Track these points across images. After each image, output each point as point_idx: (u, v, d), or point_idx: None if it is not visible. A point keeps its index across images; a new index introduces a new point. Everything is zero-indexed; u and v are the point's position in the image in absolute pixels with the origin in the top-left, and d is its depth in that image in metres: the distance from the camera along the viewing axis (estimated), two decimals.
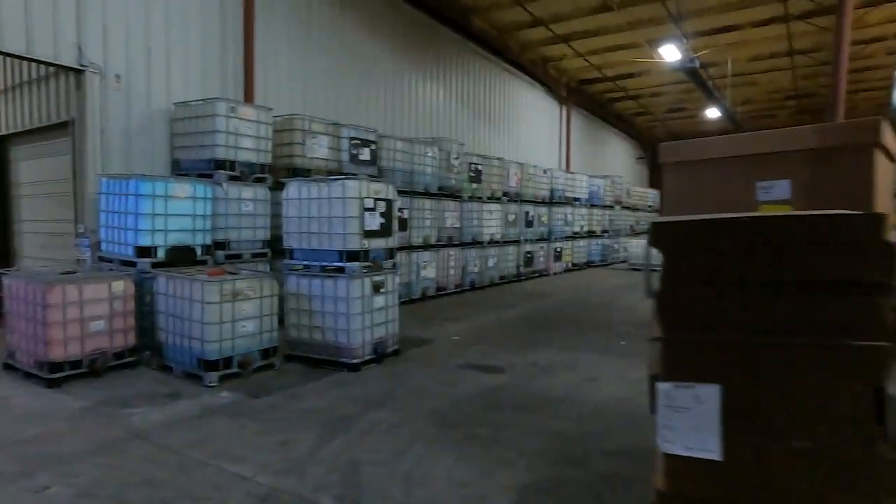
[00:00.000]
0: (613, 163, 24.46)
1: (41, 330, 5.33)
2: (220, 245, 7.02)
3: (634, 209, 22.34)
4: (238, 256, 7.32)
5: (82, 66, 6.83)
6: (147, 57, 7.49)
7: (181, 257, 6.35)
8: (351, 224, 5.93)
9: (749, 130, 20.07)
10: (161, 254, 6.17)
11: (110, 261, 6.42)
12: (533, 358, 6.43)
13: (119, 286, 5.77)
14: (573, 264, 16.89)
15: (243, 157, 7.29)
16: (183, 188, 6.29)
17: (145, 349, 6.06)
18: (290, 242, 6.33)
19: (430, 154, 10.64)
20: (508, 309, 9.93)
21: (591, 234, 18.07)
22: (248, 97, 8.46)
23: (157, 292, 5.89)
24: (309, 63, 9.72)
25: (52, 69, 7.41)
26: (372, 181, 6.16)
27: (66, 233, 7.81)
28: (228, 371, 5.54)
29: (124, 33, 7.22)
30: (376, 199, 6.14)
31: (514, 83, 16.41)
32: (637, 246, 17.50)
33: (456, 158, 11.50)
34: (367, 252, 6.06)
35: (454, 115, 13.79)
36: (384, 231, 6.28)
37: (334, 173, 8.56)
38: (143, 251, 6.06)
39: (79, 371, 5.44)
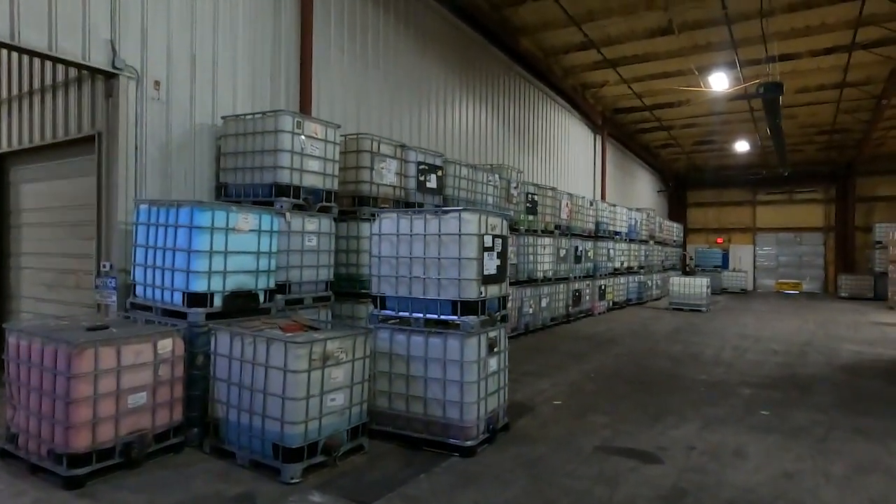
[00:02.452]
0: (639, 195, 23.58)
1: (62, 409, 3.93)
2: (279, 288, 5.67)
3: (664, 244, 21.36)
4: (299, 301, 5.98)
5: (116, 68, 5.57)
6: (191, 63, 6.26)
7: (241, 306, 5.00)
8: (468, 267, 4.66)
9: (773, 166, 19.36)
10: (217, 301, 4.82)
11: (148, 309, 5.05)
12: (677, 437, 5.13)
13: (166, 345, 4.40)
14: (614, 302, 15.71)
15: (309, 181, 6.02)
16: (247, 220, 4.98)
17: (192, 426, 4.66)
18: (381, 288, 5.03)
19: (492, 182, 9.47)
20: (585, 360, 8.64)
21: (629, 271, 16.95)
22: (305, 113, 7.23)
23: (217, 353, 4.52)
24: (363, 79, 8.57)
25: (72, 73, 6.14)
26: (490, 214, 4.92)
27: (79, 270, 6.42)
28: (313, 461, 4.16)
29: (165, 35, 6.00)
30: (494, 237, 4.89)
31: (554, 109, 15.45)
32: (680, 284, 16.36)
33: (515, 188, 10.35)
34: (484, 302, 4.78)
35: (502, 140, 12.71)
36: (500, 275, 5.02)
37: (401, 203, 7.33)
38: (197, 298, 4.71)
39: (109, 462, 4.03)
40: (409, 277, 4.88)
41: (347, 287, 6.91)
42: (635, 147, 22.21)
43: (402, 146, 7.50)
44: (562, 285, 12.38)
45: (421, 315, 4.84)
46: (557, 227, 12.21)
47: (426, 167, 7.75)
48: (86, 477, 3.89)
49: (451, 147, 10.63)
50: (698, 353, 9.48)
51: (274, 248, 5.28)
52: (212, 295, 4.78)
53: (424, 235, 4.80)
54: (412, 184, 7.56)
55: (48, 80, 6.46)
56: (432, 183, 7.87)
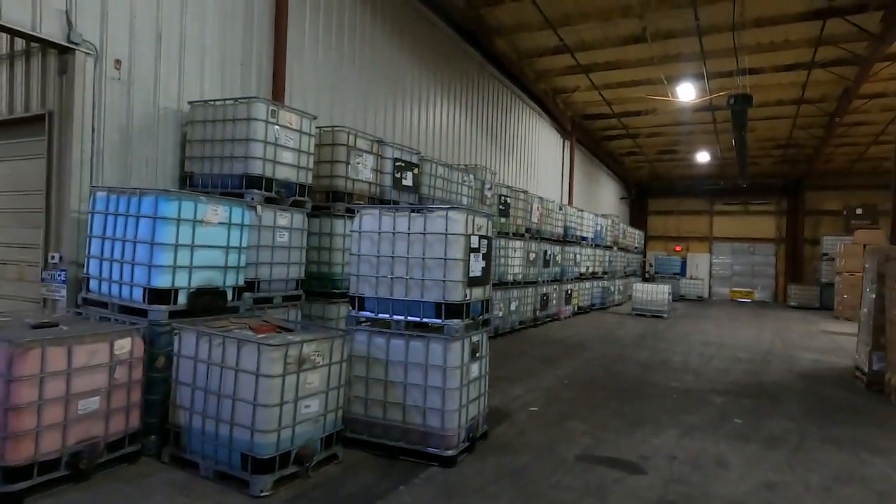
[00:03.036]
0: (603, 201, 23.90)
1: None
2: (248, 285, 5.31)
3: (626, 251, 21.70)
4: (268, 300, 5.64)
5: (71, 42, 5.10)
6: (156, 42, 5.83)
7: (208, 304, 4.65)
8: (454, 269, 4.45)
9: (731, 177, 20.06)
10: (182, 298, 4.46)
11: (103, 305, 4.63)
12: (658, 445, 5.07)
13: (124, 345, 4.03)
14: (579, 307, 15.80)
15: (282, 174, 5.69)
16: (216, 211, 4.64)
17: (150, 433, 4.29)
18: (360, 288, 4.76)
19: (466, 183, 9.30)
20: (558, 365, 8.57)
21: (594, 276, 17.10)
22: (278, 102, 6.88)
23: (181, 354, 4.17)
24: (338, 71, 8.26)
25: (19, 45, 5.61)
26: (476, 214, 4.73)
27: (22, 261, 5.90)
28: (284, 472, 3.87)
29: (127, 9, 5.55)
30: (480, 237, 4.71)
31: (525, 112, 15.43)
32: (643, 291, 16.61)
33: (489, 189, 10.22)
34: (468, 305, 4.58)
35: (474, 141, 12.56)
36: (484, 278, 4.84)
37: (376, 200, 7.07)
38: (159, 295, 4.34)
39: (54, 475, 3.63)
40: (390, 278, 4.63)
41: (318, 286, 6.59)
42: (601, 154, 22.51)
43: (379, 141, 7.24)
44: (530, 289, 12.32)
45: (402, 317, 4.61)
46: (528, 230, 12.15)
47: (402, 164, 7.51)
48: (25, 492, 3.50)
49: (424, 145, 10.41)
50: (666, 359, 9.55)
51: (244, 243, 4.94)
52: (176, 291, 4.42)
53: (408, 234, 4.57)
54: (388, 181, 7.30)
55: None
56: (408, 180, 7.63)
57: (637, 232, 24.09)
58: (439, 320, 4.48)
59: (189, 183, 5.85)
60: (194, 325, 4.24)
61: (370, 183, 7.00)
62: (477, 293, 4.75)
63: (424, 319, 4.54)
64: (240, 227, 4.87)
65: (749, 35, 11.58)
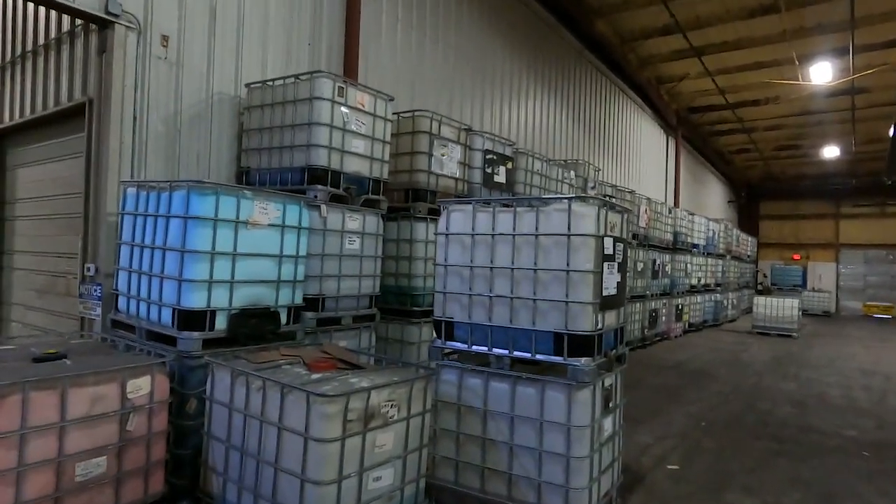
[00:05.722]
0: (709, 205, 21.44)
1: None
2: (309, 304, 4.27)
3: (738, 259, 19.19)
4: (335, 321, 4.57)
5: (110, 14, 4.31)
6: (210, 16, 4.99)
7: (255, 329, 3.61)
8: (581, 285, 3.13)
9: (864, 174, 17.02)
10: (221, 322, 3.45)
11: (131, 328, 3.73)
12: None
13: (142, 385, 3.04)
14: (689, 324, 13.79)
15: (351, 166, 4.63)
16: (266, 209, 3.61)
17: (178, 498, 3.29)
18: (448, 310, 3.55)
19: (567, 180, 7.92)
20: (684, 400, 6.95)
21: (705, 288, 14.99)
22: None
23: (213, 399, 3.13)
24: (419, 54, 7.20)
25: (65, 27, 4.94)
26: (609, 207, 3.38)
27: (69, 273, 5.21)
28: None
29: None
30: (615, 241, 3.36)
31: (625, 104, 13.78)
32: (766, 305, 14.30)
33: (592, 188, 8.77)
34: (601, 336, 3.24)
35: (570, 134, 11.14)
36: (619, 297, 3.48)
37: (462, 197, 5.87)
38: (191, 318, 3.35)
39: None
40: (489, 297, 3.39)
41: (396, 303, 5.49)
42: (708, 151, 20.16)
43: (468, 129, 6.06)
44: (638, 304, 10.65)
45: (505, 352, 3.34)
46: (635, 236, 10.51)
47: (494, 157, 6.27)
48: None
49: (516, 138, 9.13)
50: (821, 393, 7.63)
51: (303, 251, 3.89)
52: (212, 313, 3.41)
53: (514, 236, 3.31)
54: (477, 176, 6.10)
55: (41, 40, 5.30)
56: (500, 176, 6.38)
57: (751, 238, 21.38)
58: (559, 358, 3.17)
59: (245, 180, 4.94)
60: (236, 359, 3.22)
61: (456, 179, 5.83)
62: (610, 319, 3.40)
63: (537, 356, 3.25)
64: (297, 229, 3.83)
65: None
